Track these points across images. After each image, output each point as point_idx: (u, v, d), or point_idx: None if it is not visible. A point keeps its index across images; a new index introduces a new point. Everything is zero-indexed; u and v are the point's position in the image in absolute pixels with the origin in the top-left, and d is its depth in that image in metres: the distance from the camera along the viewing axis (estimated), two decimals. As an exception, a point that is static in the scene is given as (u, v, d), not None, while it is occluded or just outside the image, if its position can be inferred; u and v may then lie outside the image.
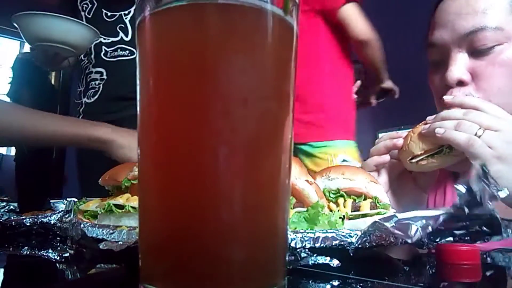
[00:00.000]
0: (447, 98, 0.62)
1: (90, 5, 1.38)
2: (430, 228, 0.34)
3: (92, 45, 1.32)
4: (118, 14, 1.35)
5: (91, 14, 1.37)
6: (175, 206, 0.24)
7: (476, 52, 0.64)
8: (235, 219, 0.23)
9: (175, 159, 0.24)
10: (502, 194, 0.39)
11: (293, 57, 0.27)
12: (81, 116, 1.41)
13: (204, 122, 0.23)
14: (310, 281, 0.33)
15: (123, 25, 1.34)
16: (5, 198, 0.82)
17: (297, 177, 0.44)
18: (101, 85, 1.36)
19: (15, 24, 1.13)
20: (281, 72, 0.26)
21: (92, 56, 1.36)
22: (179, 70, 0.24)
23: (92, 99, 1.37)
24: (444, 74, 0.66)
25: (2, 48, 3.56)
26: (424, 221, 0.35)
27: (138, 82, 0.26)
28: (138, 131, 0.26)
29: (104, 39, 1.31)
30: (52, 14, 1.12)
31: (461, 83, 0.65)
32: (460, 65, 0.64)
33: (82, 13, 1.38)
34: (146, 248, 0.25)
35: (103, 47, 1.35)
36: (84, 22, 1.22)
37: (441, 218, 0.36)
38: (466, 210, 0.38)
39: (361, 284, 0.32)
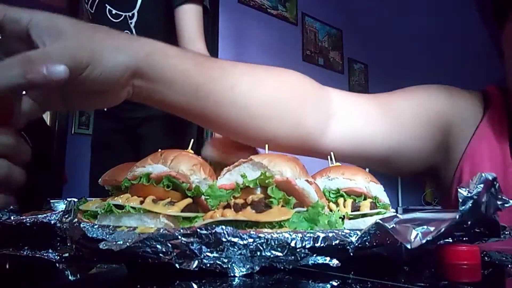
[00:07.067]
0: None
1: None
2: (430, 237, 0.34)
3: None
4: (123, 15, 1.31)
5: (93, 9, 1.34)
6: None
7: None
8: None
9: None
10: (508, 205, 0.39)
11: None
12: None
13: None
14: (310, 281, 0.33)
15: (128, 32, 1.29)
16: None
17: (297, 177, 0.44)
18: None
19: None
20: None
21: None
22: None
23: None
24: None
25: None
26: (425, 227, 0.35)
27: None
28: None
29: None
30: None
31: None
32: None
33: (86, 6, 1.35)
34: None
35: None
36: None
37: (443, 229, 0.35)
38: (470, 221, 0.38)
39: (361, 284, 0.32)
